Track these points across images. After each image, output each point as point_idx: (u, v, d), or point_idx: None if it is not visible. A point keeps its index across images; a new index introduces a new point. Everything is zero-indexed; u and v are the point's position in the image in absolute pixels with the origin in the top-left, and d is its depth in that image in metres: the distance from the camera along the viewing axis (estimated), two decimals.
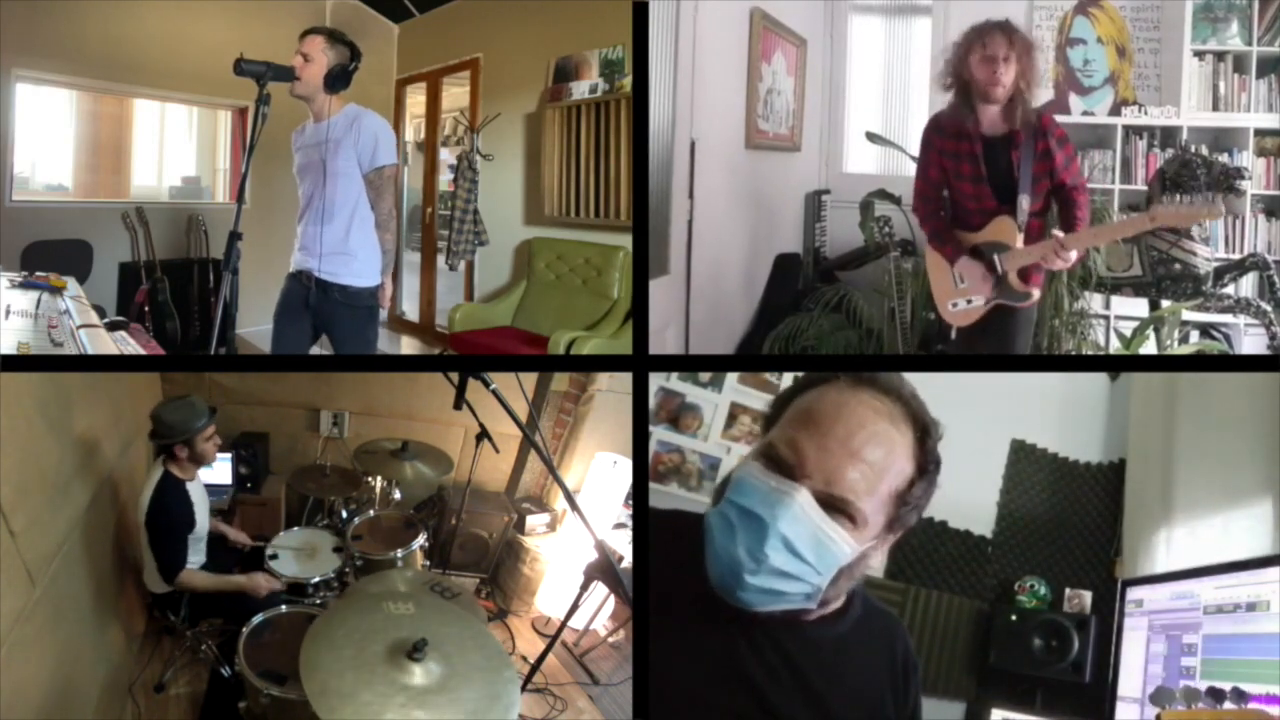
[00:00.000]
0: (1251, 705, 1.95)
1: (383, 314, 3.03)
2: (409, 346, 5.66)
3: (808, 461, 1.21)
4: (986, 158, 2.83)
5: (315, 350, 3.01)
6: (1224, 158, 4.34)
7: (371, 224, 2.88)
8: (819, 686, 1.33)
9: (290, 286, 2.92)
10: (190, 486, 2.82)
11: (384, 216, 2.90)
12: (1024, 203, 2.80)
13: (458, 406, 2.13)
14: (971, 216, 2.92)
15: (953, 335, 3.03)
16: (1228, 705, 1.96)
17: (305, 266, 2.86)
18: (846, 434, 1.21)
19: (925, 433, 1.26)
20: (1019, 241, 2.83)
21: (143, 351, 2.98)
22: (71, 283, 3.24)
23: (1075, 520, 3.20)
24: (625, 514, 3.57)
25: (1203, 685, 2.18)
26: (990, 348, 2.97)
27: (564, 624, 3.00)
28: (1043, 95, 4.77)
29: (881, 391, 1.24)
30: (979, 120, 2.82)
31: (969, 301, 2.94)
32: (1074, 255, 2.80)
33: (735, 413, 3.36)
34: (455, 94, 5.83)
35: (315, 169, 2.82)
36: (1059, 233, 2.81)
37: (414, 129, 6.53)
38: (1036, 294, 2.92)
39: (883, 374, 1.26)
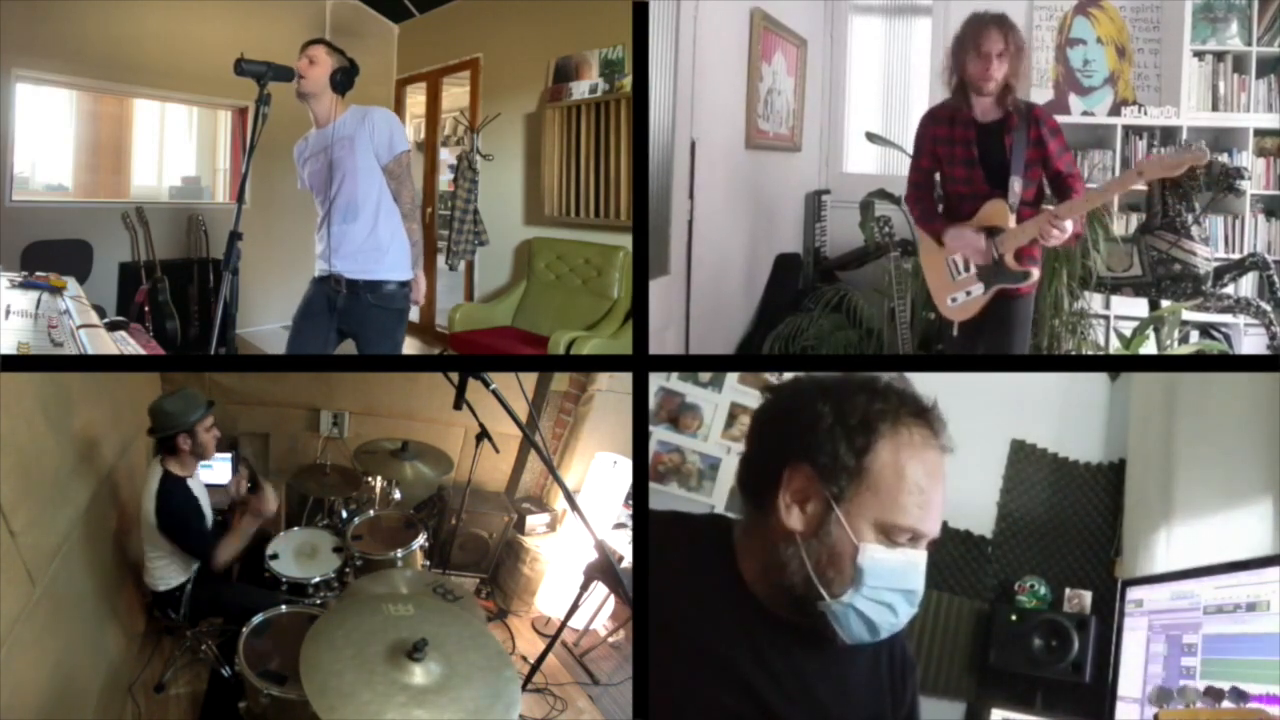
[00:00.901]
0: (1251, 705, 1.95)
1: (414, 312, 3.01)
2: (409, 346, 5.65)
3: (922, 526, 1.28)
4: (980, 141, 2.86)
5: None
6: (1224, 158, 4.34)
7: (397, 217, 2.86)
8: (817, 686, 1.34)
9: (315, 291, 2.88)
10: (190, 483, 2.81)
11: (408, 206, 2.88)
12: (1016, 185, 2.82)
13: (458, 406, 2.13)
14: (964, 202, 2.93)
15: (954, 332, 3.02)
16: (1226, 704, 1.96)
17: (334, 269, 2.82)
18: (939, 490, 1.29)
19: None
20: (1012, 222, 2.84)
21: (143, 351, 2.98)
22: (71, 283, 3.24)
23: (1075, 520, 3.20)
24: (625, 514, 3.57)
25: (1201, 685, 2.18)
26: (991, 341, 2.97)
27: (564, 624, 3.01)
28: (1042, 95, 4.78)
29: (934, 434, 1.30)
30: (973, 107, 2.86)
31: (968, 293, 2.94)
32: (1070, 225, 2.79)
33: (735, 413, 3.36)
34: (455, 94, 5.83)
35: (329, 172, 2.80)
36: (1050, 207, 2.82)
37: (414, 129, 6.53)
38: (1036, 273, 2.91)
39: (929, 407, 1.31)
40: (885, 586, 1.28)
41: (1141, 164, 2.87)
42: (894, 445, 1.27)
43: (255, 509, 2.81)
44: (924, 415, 1.30)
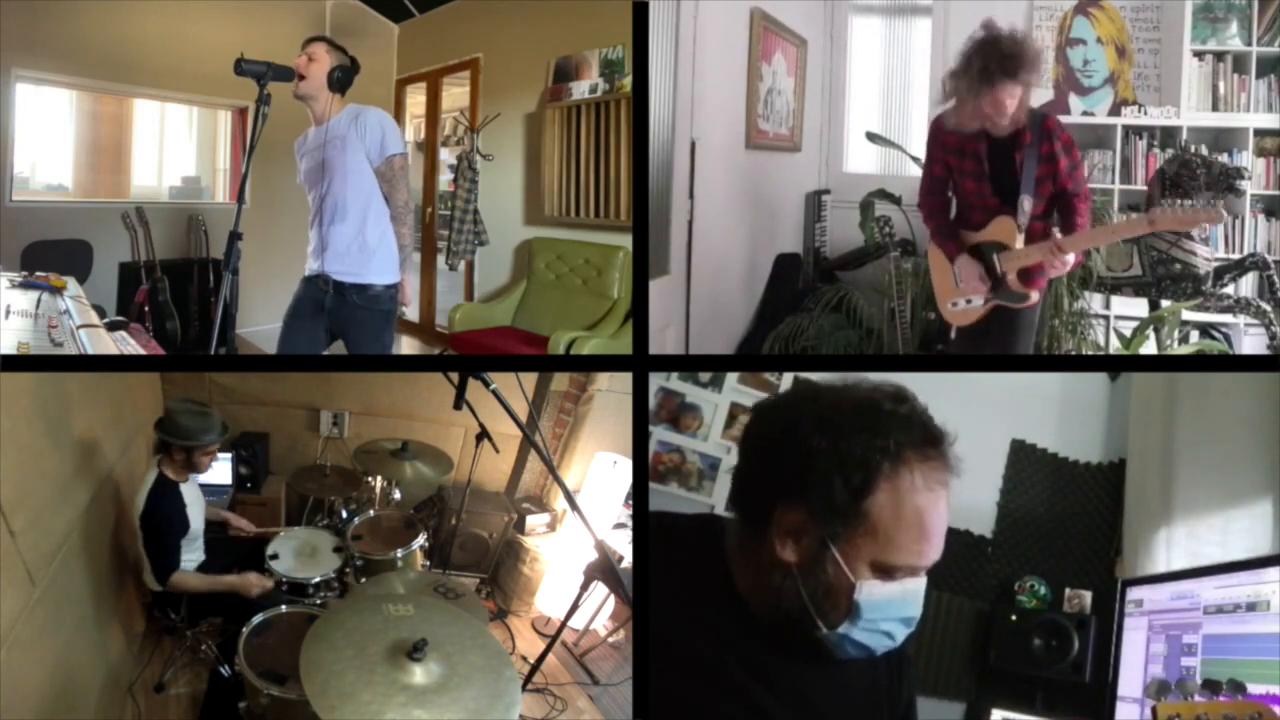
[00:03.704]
0: (1249, 698, 1.95)
1: (404, 311, 3.00)
2: (409, 346, 5.67)
3: (921, 562, 1.25)
4: (990, 155, 2.84)
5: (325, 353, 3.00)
6: (1224, 158, 4.34)
7: (387, 219, 2.85)
8: (813, 690, 1.34)
9: (304, 291, 2.88)
10: (184, 488, 2.81)
11: (399, 208, 2.87)
12: (1025, 204, 2.80)
13: (458, 406, 2.13)
14: (974, 213, 2.93)
15: (952, 335, 3.03)
16: (1223, 698, 1.95)
17: (322, 270, 2.82)
18: (941, 522, 1.25)
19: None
20: (1019, 242, 2.83)
21: (143, 351, 2.98)
22: (71, 283, 3.24)
23: (1075, 520, 3.19)
24: (625, 514, 3.57)
25: (1199, 678, 2.18)
26: (992, 350, 2.98)
27: (564, 624, 3.01)
28: (1042, 95, 4.78)
29: (941, 467, 1.25)
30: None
31: (969, 301, 2.95)
32: (1071, 258, 2.80)
33: (735, 413, 3.36)
34: (455, 94, 5.83)
35: (322, 170, 2.80)
36: (1058, 233, 2.81)
37: (414, 129, 6.54)
38: (1035, 296, 2.92)
39: (938, 438, 1.25)
40: (882, 617, 1.26)
41: (1155, 214, 2.85)
42: (893, 488, 1.21)
43: (244, 583, 2.79)
44: (930, 446, 1.24)
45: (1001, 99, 2.67)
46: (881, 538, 1.22)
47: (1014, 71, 2.65)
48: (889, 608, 1.26)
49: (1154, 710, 1.73)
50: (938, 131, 2.93)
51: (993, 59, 2.65)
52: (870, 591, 1.24)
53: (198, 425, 2.78)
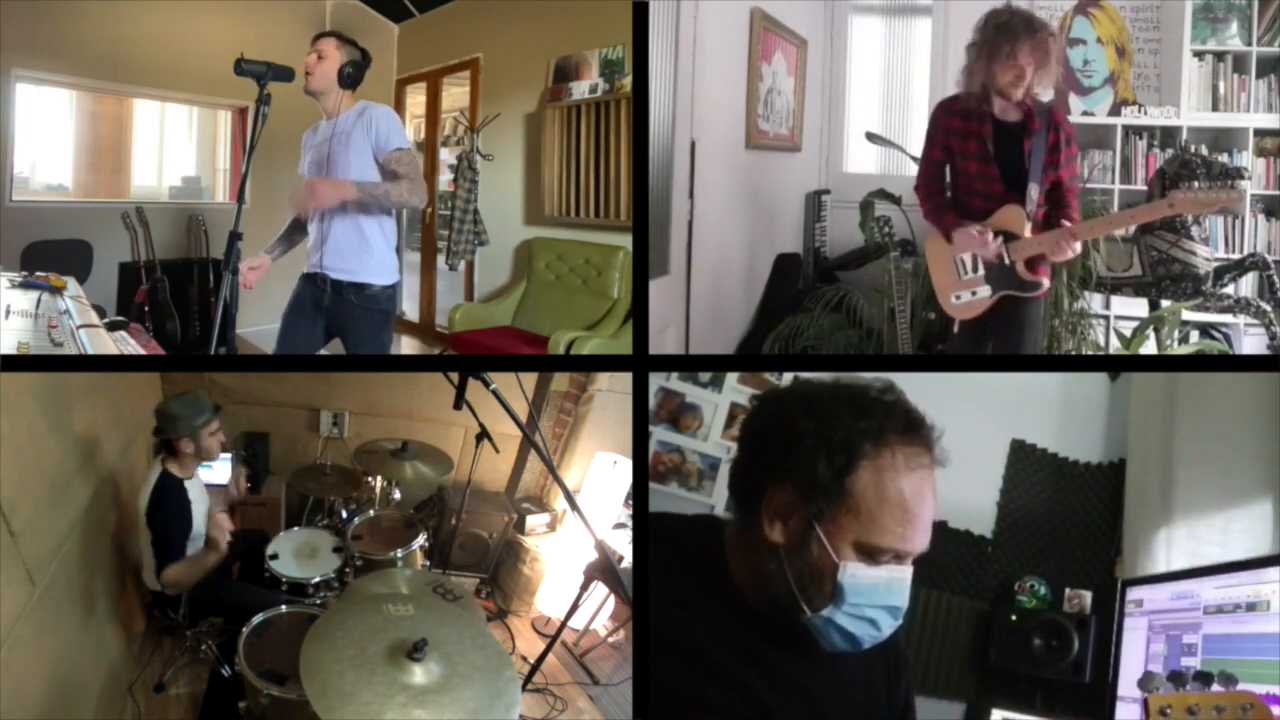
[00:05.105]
0: (1240, 688, 1.94)
1: (402, 312, 2.98)
2: (409, 346, 5.67)
3: (905, 546, 1.28)
4: (996, 138, 2.82)
5: (324, 352, 2.99)
6: (1224, 158, 4.34)
7: (387, 217, 2.85)
8: (813, 686, 1.35)
9: (303, 288, 2.88)
10: (189, 485, 2.81)
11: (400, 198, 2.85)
12: (1034, 192, 2.79)
13: (458, 406, 2.14)
14: (975, 200, 2.89)
15: (955, 329, 3.01)
16: (1215, 688, 1.95)
17: (320, 268, 2.82)
18: (926, 508, 1.28)
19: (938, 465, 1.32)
20: (1028, 230, 2.82)
21: (143, 351, 2.98)
22: (71, 283, 3.24)
23: (1075, 520, 3.19)
24: (625, 514, 3.57)
25: (1190, 672, 2.18)
26: (1001, 342, 2.96)
27: (564, 624, 3.01)
28: (1042, 96, 4.78)
29: (924, 451, 1.28)
30: (992, 104, 2.82)
31: (973, 294, 2.93)
32: (1079, 245, 2.81)
33: (735, 413, 3.36)
34: (455, 94, 5.83)
35: (327, 164, 2.80)
36: (1068, 223, 2.81)
37: (414, 129, 6.53)
38: (1046, 284, 2.90)
39: (919, 422, 1.28)
40: (867, 603, 1.28)
41: (1174, 196, 2.87)
42: (876, 467, 1.25)
43: (215, 548, 2.71)
44: (912, 432, 1.27)
45: (1020, 63, 2.70)
46: (864, 517, 1.25)
47: (1031, 27, 2.71)
48: (873, 593, 1.28)
49: (1145, 702, 1.73)
50: (940, 114, 2.92)
51: (1015, 16, 2.74)
52: (854, 573, 1.26)
53: (190, 410, 2.77)
